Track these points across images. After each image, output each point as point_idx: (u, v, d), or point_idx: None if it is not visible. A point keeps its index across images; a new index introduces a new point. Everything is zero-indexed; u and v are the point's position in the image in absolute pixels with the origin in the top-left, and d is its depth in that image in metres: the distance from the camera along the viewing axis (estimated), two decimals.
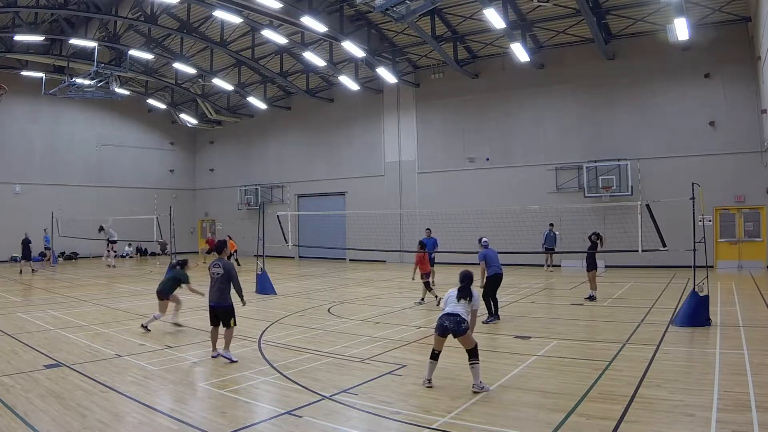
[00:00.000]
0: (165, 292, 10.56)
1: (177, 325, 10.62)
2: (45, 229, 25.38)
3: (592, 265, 13.32)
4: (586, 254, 13.58)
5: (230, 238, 26.39)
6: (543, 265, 21.67)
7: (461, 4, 20.96)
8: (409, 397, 6.36)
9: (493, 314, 10.98)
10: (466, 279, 6.89)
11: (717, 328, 9.74)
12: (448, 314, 6.60)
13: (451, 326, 6.50)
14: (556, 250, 20.80)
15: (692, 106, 20.88)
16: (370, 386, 6.77)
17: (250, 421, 5.71)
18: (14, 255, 29.06)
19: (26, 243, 23.29)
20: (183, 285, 10.69)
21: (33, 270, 23.49)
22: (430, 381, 6.70)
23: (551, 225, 21.03)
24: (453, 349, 8.94)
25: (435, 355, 6.71)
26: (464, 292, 6.74)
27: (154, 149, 35.75)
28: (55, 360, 8.12)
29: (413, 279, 14.33)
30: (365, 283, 19.01)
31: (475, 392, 6.37)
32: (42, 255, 26.50)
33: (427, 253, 14.23)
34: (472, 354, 6.51)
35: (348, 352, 8.55)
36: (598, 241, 13.48)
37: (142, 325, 10.31)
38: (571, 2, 19.34)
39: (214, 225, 33.90)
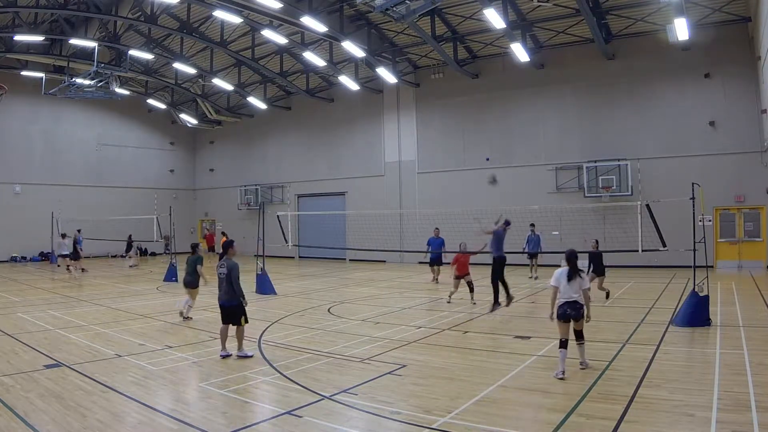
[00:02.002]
0: (192, 282, 11.36)
1: (188, 318, 11.30)
2: (79, 230, 24.67)
3: (602, 269, 13.21)
4: (596, 259, 13.18)
5: (224, 234, 26.37)
6: (540, 266, 18.91)
7: (461, 4, 20.95)
8: (409, 397, 6.36)
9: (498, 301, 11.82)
10: (573, 257, 7.24)
11: (717, 328, 9.74)
12: (568, 303, 7.06)
13: (573, 313, 7.05)
14: (542, 251, 18.37)
15: (692, 106, 20.88)
16: (370, 386, 6.77)
17: (250, 421, 5.71)
18: (14, 255, 29.09)
19: (74, 243, 23.25)
20: (198, 266, 11.36)
21: (83, 269, 23.10)
22: (563, 372, 6.85)
23: (532, 225, 18.88)
24: (452, 348, 8.97)
25: (563, 344, 7.02)
26: (575, 271, 7.11)
27: (154, 149, 35.76)
28: (55, 360, 8.12)
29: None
30: (365, 283, 19.01)
31: (582, 368, 7.11)
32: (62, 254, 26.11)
33: (468, 254, 13.56)
34: (580, 336, 7.22)
35: (348, 352, 8.54)
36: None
37: (185, 317, 11.22)
38: (571, 2, 19.34)
39: (214, 225, 33.88)
